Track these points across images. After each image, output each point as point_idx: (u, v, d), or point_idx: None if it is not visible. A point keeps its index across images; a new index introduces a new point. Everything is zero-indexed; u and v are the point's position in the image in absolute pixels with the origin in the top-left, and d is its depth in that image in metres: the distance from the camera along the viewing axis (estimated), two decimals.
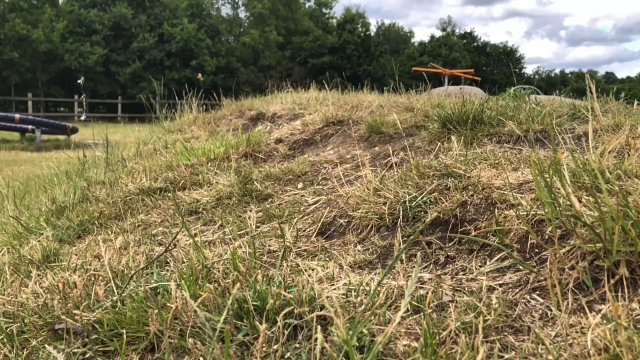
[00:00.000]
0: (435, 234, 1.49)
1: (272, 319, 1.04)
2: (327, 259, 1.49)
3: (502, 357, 0.91)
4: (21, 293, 1.36)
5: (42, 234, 2.14)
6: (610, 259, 1.02)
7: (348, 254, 1.51)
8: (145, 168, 2.93)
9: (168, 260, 1.53)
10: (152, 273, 1.37)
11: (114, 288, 1.27)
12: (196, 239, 1.62)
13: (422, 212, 1.58)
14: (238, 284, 1.07)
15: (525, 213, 1.33)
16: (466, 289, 1.17)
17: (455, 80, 10.46)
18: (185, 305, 1.06)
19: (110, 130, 4.37)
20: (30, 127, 12.21)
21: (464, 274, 1.28)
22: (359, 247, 1.57)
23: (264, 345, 0.94)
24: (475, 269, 1.28)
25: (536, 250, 1.25)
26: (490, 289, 1.16)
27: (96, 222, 2.21)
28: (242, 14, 45.17)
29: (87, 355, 1.06)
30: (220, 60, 36.27)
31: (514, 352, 0.91)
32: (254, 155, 3.15)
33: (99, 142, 4.85)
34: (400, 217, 1.59)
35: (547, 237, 1.25)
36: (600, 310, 0.96)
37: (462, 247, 1.39)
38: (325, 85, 5.57)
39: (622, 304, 0.95)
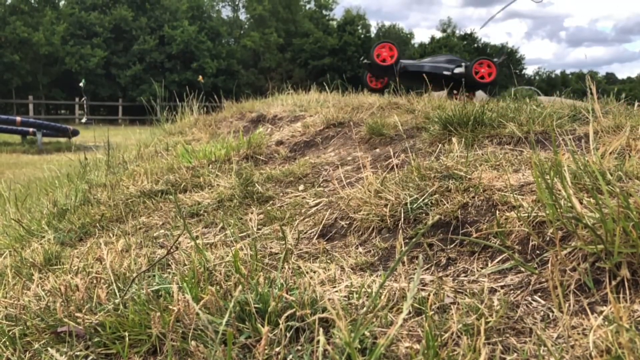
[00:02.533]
0: (437, 235, 1.49)
1: (274, 321, 1.04)
2: (329, 261, 1.49)
3: (504, 359, 0.91)
4: (23, 296, 1.37)
5: (43, 236, 2.14)
6: (612, 261, 1.02)
7: (349, 256, 1.51)
8: (147, 170, 2.94)
9: (170, 262, 1.54)
10: (154, 276, 1.37)
11: (116, 291, 1.27)
12: (198, 241, 1.63)
13: (424, 214, 1.58)
14: (240, 287, 1.07)
15: (526, 215, 1.33)
16: (468, 290, 1.17)
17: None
18: (188, 308, 1.06)
19: (111, 132, 4.37)
20: (31, 129, 12.22)
21: (465, 276, 1.28)
22: (360, 249, 1.58)
23: (266, 347, 0.94)
24: (477, 270, 1.28)
25: (537, 251, 1.25)
26: (492, 291, 1.16)
27: (98, 224, 2.21)
28: (243, 16, 45.22)
29: (89, 358, 1.06)
30: (221, 63, 36.30)
31: (515, 354, 0.91)
32: (255, 158, 3.15)
33: (100, 144, 4.85)
34: (402, 219, 1.59)
35: (548, 238, 1.25)
36: (601, 312, 0.96)
37: (464, 249, 1.39)
38: (326, 87, 5.57)
39: (623, 306, 0.95)
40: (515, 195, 1.45)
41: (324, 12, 47.38)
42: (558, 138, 2.04)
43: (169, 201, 2.42)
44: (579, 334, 0.93)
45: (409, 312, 1.08)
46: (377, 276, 1.33)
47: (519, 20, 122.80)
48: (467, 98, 3.80)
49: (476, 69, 2.99)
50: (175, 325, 1.05)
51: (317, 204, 2.01)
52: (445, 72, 3.20)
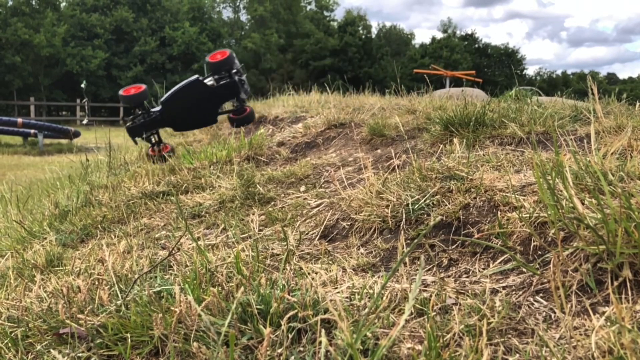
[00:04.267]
0: (438, 236, 1.49)
1: (276, 322, 1.04)
2: (331, 262, 1.49)
3: (506, 359, 0.91)
4: (25, 297, 1.37)
5: (45, 238, 2.14)
6: (614, 261, 1.02)
7: (351, 257, 1.51)
8: (148, 172, 2.94)
9: (171, 264, 1.54)
10: (156, 277, 1.37)
11: (118, 292, 1.27)
12: (199, 242, 1.63)
13: (425, 215, 1.58)
14: (242, 288, 1.07)
15: (528, 215, 1.33)
16: (469, 291, 1.17)
17: (456, 82, 10.46)
18: (189, 309, 1.06)
19: (113, 133, 4.38)
20: (32, 131, 12.24)
21: (467, 277, 1.28)
22: (362, 250, 1.58)
23: (268, 348, 0.94)
24: (479, 271, 1.28)
25: (539, 252, 1.25)
26: (494, 292, 1.16)
27: (99, 226, 2.22)
28: (244, 17, 45.23)
29: None
30: None
31: (518, 355, 0.91)
32: (256, 159, 3.15)
33: (101, 145, 4.86)
34: (403, 219, 1.59)
35: (550, 239, 1.25)
36: (604, 313, 0.96)
37: (465, 250, 1.39)
38: (327, 88, 5.57)
39: (625, 306, 0.95)
40: (516, 196, 1.45)
41: (325, 13, 47.41)
42: (559, 138, 2.04)
43: (171, 202, 2.42)
44: (581, 334, 0.93)
45: (411, 313, 1.08)
46: (378, 277, 1.33)
47: (519, 20, 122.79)
48: (235, 119, 4.13)
49: (213, 58, 3.49)
50: (177, 326, 1.05)
51: (318, 205, 2.01)
52: (192, 78, 3.48)
